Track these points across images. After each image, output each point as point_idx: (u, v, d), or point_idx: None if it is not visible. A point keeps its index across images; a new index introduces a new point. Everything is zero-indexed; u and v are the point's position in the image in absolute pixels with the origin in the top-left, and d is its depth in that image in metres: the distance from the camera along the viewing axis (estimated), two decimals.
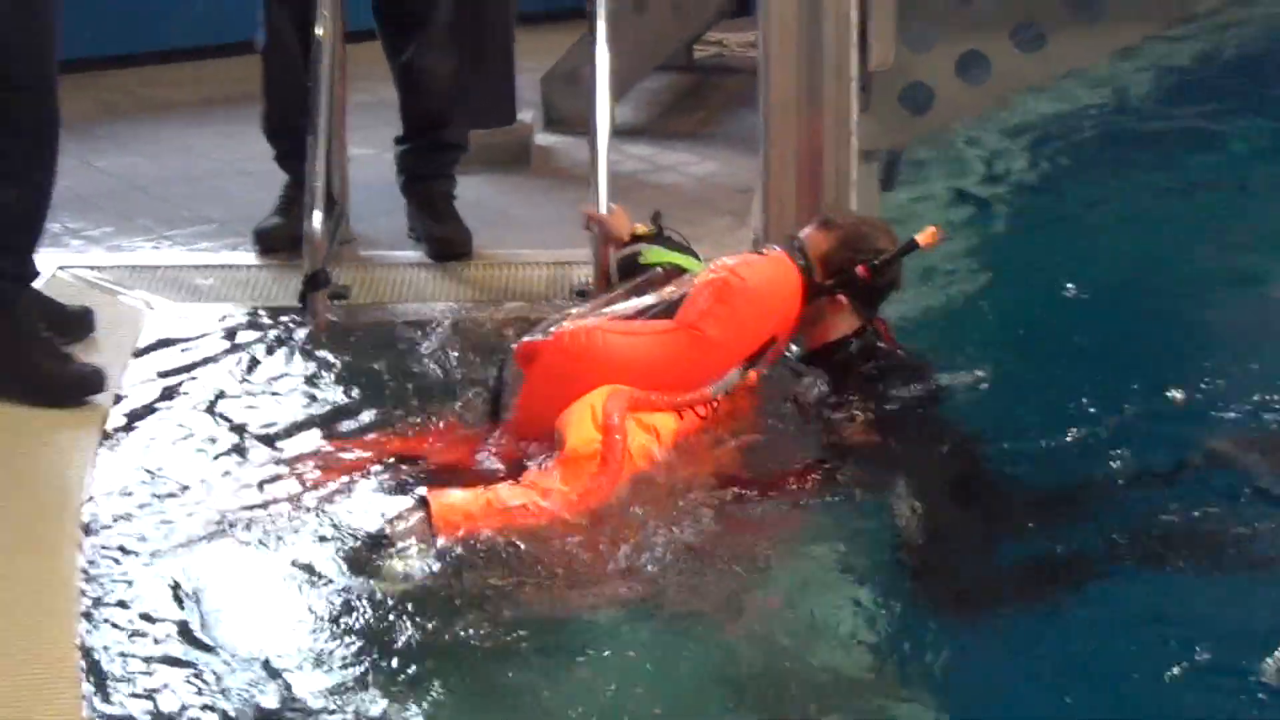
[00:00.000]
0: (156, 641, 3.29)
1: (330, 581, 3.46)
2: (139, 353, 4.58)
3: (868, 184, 5.03)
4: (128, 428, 4.17)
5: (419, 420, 4.12)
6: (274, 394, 4.35)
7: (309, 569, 3.50)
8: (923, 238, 4.16)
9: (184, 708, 3.11)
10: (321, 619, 3.36)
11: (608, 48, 5.02)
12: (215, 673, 3.20)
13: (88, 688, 3.16)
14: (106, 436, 4.13)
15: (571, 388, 3.85)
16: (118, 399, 4.32)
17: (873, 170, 5.11)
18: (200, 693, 3.15)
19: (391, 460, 3.93)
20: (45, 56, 4.33)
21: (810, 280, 4.12)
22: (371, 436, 4.10)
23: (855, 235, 4.20)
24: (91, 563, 3.55)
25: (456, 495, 3.65)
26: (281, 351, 4.59)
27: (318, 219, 4.78)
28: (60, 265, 5.10)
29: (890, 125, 5.10)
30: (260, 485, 3.85)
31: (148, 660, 3.24)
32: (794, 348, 4.26)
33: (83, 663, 3.24)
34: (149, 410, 4.26)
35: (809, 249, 4.16)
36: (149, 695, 3.15)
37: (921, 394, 4.11)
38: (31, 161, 4.34)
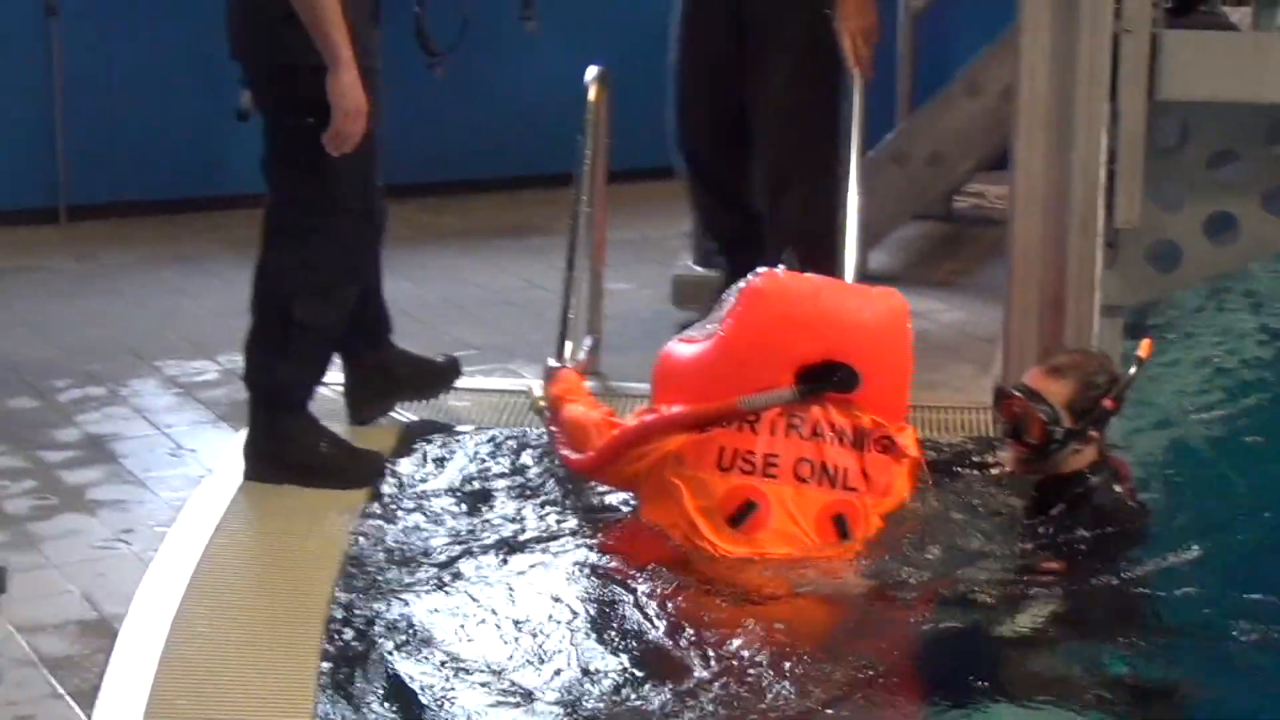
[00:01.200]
0: None
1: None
2: (393, 462, 4.78)
3: (1111, 338, 5.08)
4: (378, 525, 4.41)
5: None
6: (516, 504, 4.53)
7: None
8: (1144, 351, 4.32)
9: None
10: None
11: (859, 196, 5.17)
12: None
13: None
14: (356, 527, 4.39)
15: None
16: (374, 495, 4.56)
17: (1116, 324, 5.15)
18: None
19: None
20: (370, 182, 4.70)
21: (1056, 429, 4.21)
22: None
23: (1088, 372, 4.30)
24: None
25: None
26: (529, 471, 4.76)
27: (568, 349, 4.98)
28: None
29: (1135, 281, 5.13)
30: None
31: None
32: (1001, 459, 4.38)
33: None
34: (397, 511, 4.49)
35: (1051, 399, 4.23)
36: None
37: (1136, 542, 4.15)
38: (352, 281, 4.75)
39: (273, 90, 4.65)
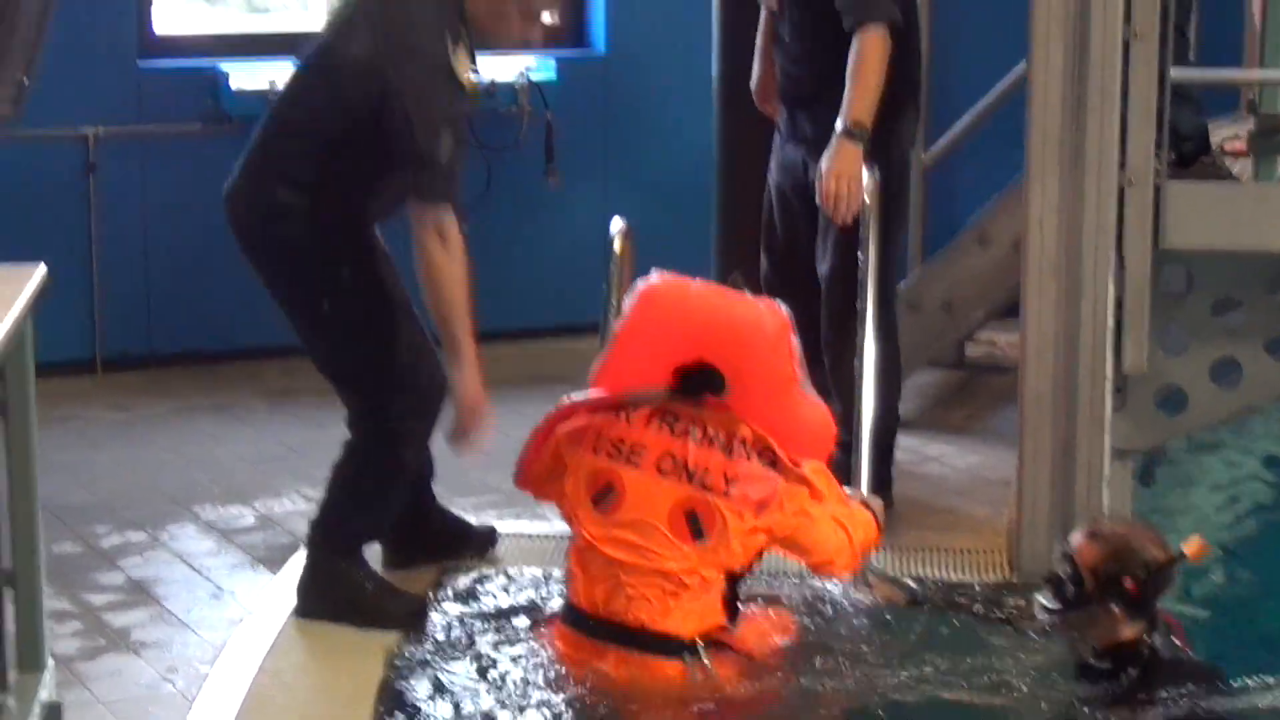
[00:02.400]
0: None
1: None
2: (431, 603, 4.92)
3: (1121, 481, 5.23)
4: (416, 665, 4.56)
5: None
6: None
7: None
8: (1190, 548, 4.28)
9: None
10: None
11: (874, 345, 5.33)
12: None
13: None
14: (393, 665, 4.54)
15: None
16: (413, 635, 4.71)
17: (1127, 468, 5.30)
18: None
19: None
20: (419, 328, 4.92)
21: (1080, 590, 4.28)
22: None
23: (1124, 549, 4.30)
24: None
25: None
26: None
27: None
28: None
29: (1145, 426, 5.28)
30: None
31: None
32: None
33: None
34: (434, 651, 4.63)
35: (1079, 559, 4.30)
36: None
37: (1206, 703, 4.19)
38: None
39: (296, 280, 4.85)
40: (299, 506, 6.12)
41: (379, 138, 4.66)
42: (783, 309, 4.62)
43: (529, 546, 5.43)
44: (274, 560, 5.34)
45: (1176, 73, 5.21)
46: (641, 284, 4.65)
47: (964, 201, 7.73)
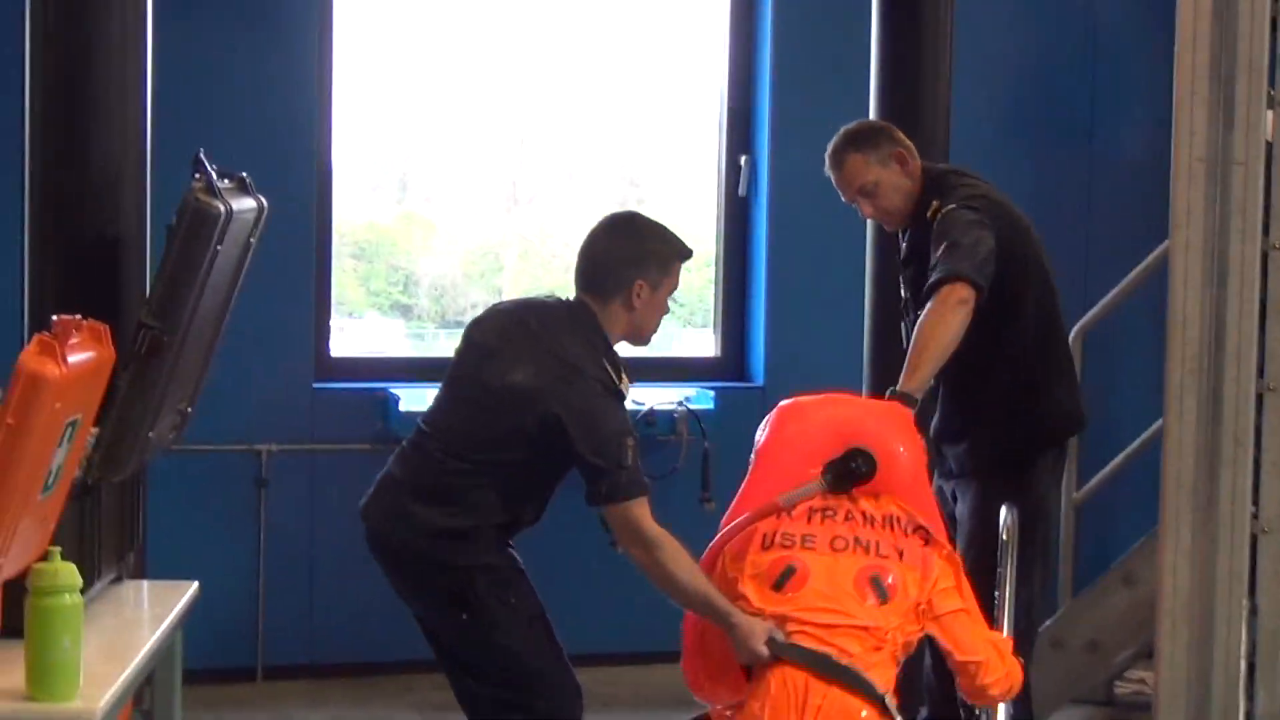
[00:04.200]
0: None
1: None
2: None
3: None
4: None
5: None
6: None
7: None
8: None
9: None
10: None
11: None
12: None
13: None
14: None
15: None
16: None
17: None
18: None
19: None
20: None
21: None
22: None
23: None
24: None
25: None
26: None
27: None
28: None
29: None
30: None
31: None
32: None
33: None
34: None
35: None
36: None
37: None
38: None
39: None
40: None
41: (533, 458, 4.95)
42: (903, 407, 5.17)
43: None
44: None
45: None
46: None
47: (1116, 541, 7.80)
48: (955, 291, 5.39)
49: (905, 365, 5.41)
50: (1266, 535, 5.17)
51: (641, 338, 5.19)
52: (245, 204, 4.45)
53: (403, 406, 7.81)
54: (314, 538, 8.01)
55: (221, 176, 4.31)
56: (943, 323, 5.38)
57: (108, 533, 4.34)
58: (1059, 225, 8.54)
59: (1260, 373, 5.17)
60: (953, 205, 5.66)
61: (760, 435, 5.10)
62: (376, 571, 7.54)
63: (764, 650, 4.59)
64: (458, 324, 8.37)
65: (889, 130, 5.97)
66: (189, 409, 4.64)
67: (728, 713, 4.88)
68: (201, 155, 4.27)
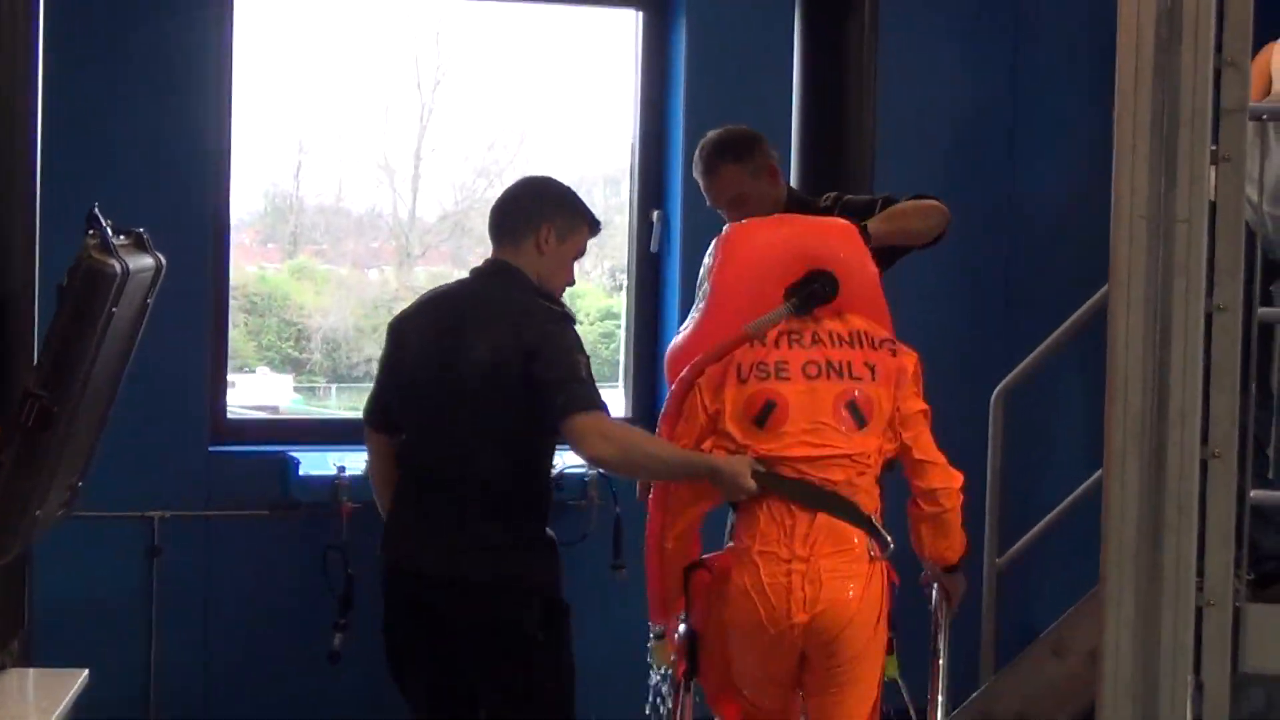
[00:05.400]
0: None
1: None
2: None
3: None
4: None
5: None
6: None
7: None
8: None
9: None
10: None
11: None
12: None
13: None
14: None
15: None
16: None
17: None
18: None
19: None
20: None
21: None
22: None
23: None
24: None
25: None
26: None
27: None
28: None
29: None
30: None
31: None
32: None
33: None
34: None
35: None
36: None
37: None
38: None
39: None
40: None
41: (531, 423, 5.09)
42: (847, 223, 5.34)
43: None
44: None
45: (1257, 494, 5.14)
46: (714, 243, 5.17)
47: (1040, 608, 7.60)
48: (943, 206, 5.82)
49: (884, 212, 5.69)
50: (1212, 609, 4.97)
51: (549, 287, 5.26)
52: (143, 262, 4.15)
53: (303, 470, 7.51)
54: (209, 606, 7.69)
55: (117, 233, 4.01)
56: (936, 212, 5.79)
57: None
58: (979, 278, 8.40)
59: (1204, 438, 4.98)
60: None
61: (709, 262, 5.17)
62: (276, 640, 7.26)
63: (752, 484, 4.84)
64: (350, 378, 8.13)
65: (763, 142, 6.07)
66: (79, 483, 4.31)
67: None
68: (96, 210, 3.97)
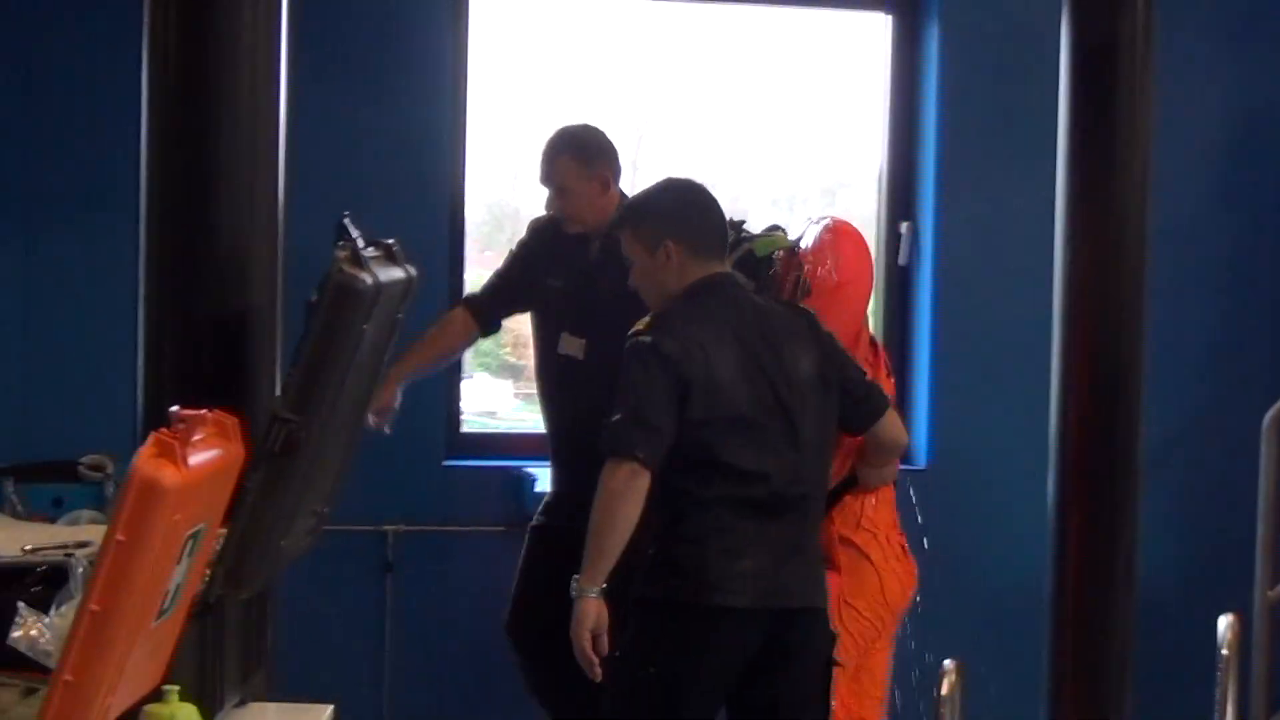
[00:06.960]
0: None
1: None
2: None
3: None
4: None
5: None
6: None
7: None
8: None
9: None
10: None
11: None
12: None
13: None
14: None
15: None
16: None
17: None
18: None
19: None
20: None
21: None
22: None
23: None
24: None
25: None
26: None
27: None
28: None
29: None
30: None
31: None
32: None
33: None
34: None
35: None
36: None
37: None
38: None
39: None
40: None
41: None
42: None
43: None
44: None
45: None
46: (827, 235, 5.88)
47: None
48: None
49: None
50: None
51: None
52: (393, 274, 3.87)
53: (539, 486, 7.28)
54: (442, 621, 7.49)
55: (367, 244, 3.74)
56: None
57: (231, 656, 3.79)
58: (1254, 291, 7.96)
59: None
60: None
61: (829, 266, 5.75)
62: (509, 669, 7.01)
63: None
64: None
65: (609, 154, 6.33)
66: (326, 510, 4.04)
67: None
68: (346, 220, 3.70)
